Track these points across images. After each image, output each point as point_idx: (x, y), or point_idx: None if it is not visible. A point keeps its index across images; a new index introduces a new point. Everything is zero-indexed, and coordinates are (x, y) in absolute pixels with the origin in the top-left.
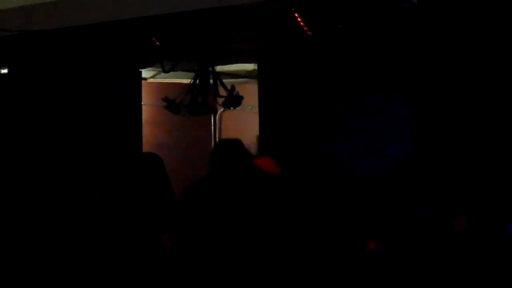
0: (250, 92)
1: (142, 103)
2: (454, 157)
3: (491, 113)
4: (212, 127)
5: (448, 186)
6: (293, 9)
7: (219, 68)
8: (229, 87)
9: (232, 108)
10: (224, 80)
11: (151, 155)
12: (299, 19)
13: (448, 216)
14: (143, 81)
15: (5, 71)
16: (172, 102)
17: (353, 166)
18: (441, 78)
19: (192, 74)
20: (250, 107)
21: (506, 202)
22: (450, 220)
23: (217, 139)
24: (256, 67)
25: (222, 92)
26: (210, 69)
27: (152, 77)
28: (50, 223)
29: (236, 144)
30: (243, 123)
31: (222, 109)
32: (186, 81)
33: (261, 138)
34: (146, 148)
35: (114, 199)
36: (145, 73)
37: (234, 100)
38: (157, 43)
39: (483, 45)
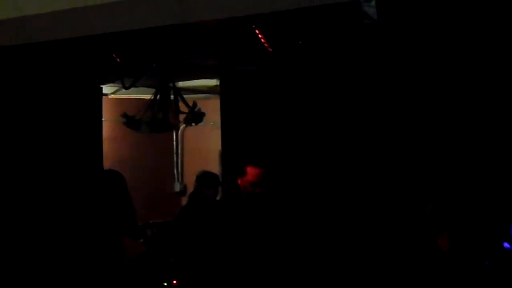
0: (212, 107)
1: (103, 119)
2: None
3: (462, 129)
4: (174, 142)
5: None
6: (253, 26)
7: (181, 84)
8: (190, 103)
9: (193, 124)
10: (186, 96)
11: (112, 172)
12: (260, 36)
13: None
14: (104, 97)
15: None
16: (131, 118)
17: (318, 182)
18: (402, 93)
19: (153, 90)
20: (212, 123)
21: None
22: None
23: (179, 155)
24: (218, 83)
25: (184, 108)
26: (171, 85)
27: (113, 93)
28: (7, 241)
29: None
30: (205, 139)
31: (184, 125)
32: (148, 96)
33: (223, 153)
34: (106, 164)
35: (74, 217)
36: (106, 89)
37: (195, 117)
38: (118, 59)
39: (444, 61)
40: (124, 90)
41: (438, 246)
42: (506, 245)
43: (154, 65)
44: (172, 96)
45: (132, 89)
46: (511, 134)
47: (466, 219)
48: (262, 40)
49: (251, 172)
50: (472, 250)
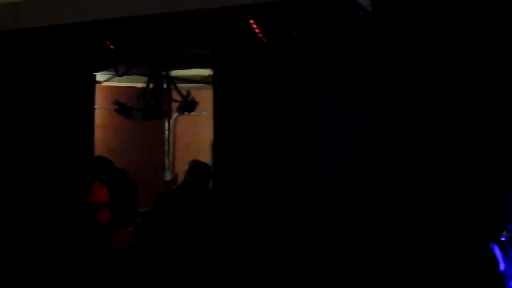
0: (205, 97)
1: (95, 106)
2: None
3: (454, 123)
4: (166, 132)
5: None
6: (248, 16)
7: (174, 73)
8: (184, 92)
9: (187, 113)
10: (179, 85)
11: (102, 159)
12: (254, 26)
13: None
14: (97, 85)
15: None
16: (123, 105)
17: (310, 174)
18: (395, 85)
19: (146, 78)
20: (205, 113)
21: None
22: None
23: (170, 144)
24: (211, 73)
25: (177, 97)
26: (164, 73)
27: (106, 80)
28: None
29: None
30: (197, 129)
31: (176, 114)
32: (141, 85)
33: (215, 144)
34: (98, 152)
35: (64, 203)
36: (99, 76)
37: (188, 105)
38: (111, 46)
39: (437, 53)
40: (117, 78)
41: None
42: None
43: (147, 53)
44: (165, 85)
45: (125, 77)
46: None
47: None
48: (256, 31)
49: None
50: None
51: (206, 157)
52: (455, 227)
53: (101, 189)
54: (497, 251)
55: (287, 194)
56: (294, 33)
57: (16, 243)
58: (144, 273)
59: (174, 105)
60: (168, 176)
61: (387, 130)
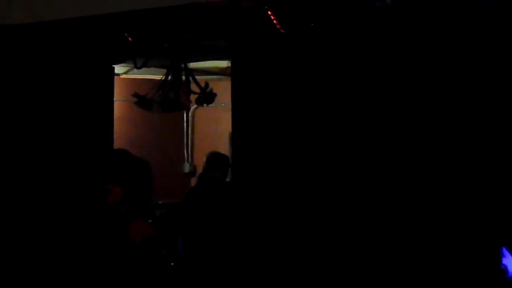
0: (223, 89)
1: (114, 99)
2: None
3: (467, 115)
4: (185, 123)
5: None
6: (266, 7)
7: (192, 65)
8: (202, 84)
9: (205, 105)
10: (197, 77)
11: (122, 151)
12: (272, 17)
13: None
14: (116, 77)
15: None
16: (142, 98)
17: (327, 166)
18: (413, 76)
19: (165, 71)
20: (223, 104)
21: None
22: None
23: (189, 136)
24: (229, 64)
25: (195, 88)
26: (183, 65)
27: (125, 73)
28: (18, 220)
29: None
30: (215, 120)
31: (195, 106)
32: (160, 77)
33: (234, 135)
34: (117, 144)
35: (86, 196)
36: (118, 69)
37: (207, 97)
38: (130, 39)
39: (457, 44)
40: (135, 70)
41: None
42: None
43: (165, 45)
44: (183, 77)
45: (144, 69)
46: None
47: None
48: (275, 22)
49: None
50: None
51: (224, 148)
52: (465, 232)
53: (114, 189)
54: (507, 255)
55: (305, 186)
56: (312, 24)
57: (35, 234)
58: (163, 264)
59: (193, 97)
60: (187, 168)
61: (402, 124)
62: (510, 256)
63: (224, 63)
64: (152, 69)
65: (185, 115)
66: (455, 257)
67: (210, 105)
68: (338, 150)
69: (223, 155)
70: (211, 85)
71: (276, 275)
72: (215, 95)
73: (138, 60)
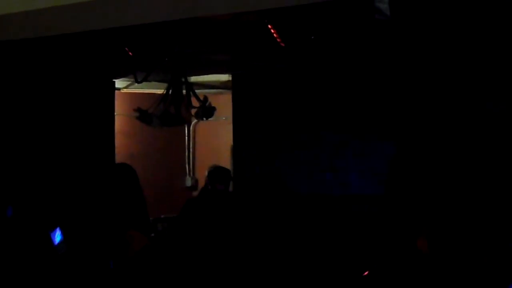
0: (224, 103)
1: (115, 113)
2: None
3: (468, 128)
4: (186, 137)
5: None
6: (266, 21)
7: (193, 78)
8: (202, 98)
9: (204, 118)
10: (198, 91)
11: (123, 166)
12: (272, 31)
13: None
14: (116, 91)
15: None
16: (144, 112)
17: (321, 178)
18: (413, 88)
19: (165, 85)
20: (224, 118)
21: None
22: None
23: (190, 150)
24: (230, 78)
25: (195, 103)
26: (183, 79)
27: (126, 87)
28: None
29: None
30: (217, 134)
31: (196, 120)
32: (160, 91)
33: (235, 149)
34: (118, 158)
35: (86, 210)
36: (119, 83)
37: (206, 111)
38: (130, 53)
39: (456, 57)
40: (136, 84)
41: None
42: None
43: (166, 59)
44: (184, 91)
45: (144, 83)
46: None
47: (445, 221)
48: (275, 35)
49: None
50: (453, 250)
51: (226, 162)
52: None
53: (136, 236)
54: None
55: (306, 199)
56: (312, 37)
57: (35, 245)
58: (158, 275)
59: (192, 111)
60: (188, 182)
61: (408, 134)
62: None
63: (225, 77)
64: (153, 83)
65: (186, 129)
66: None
67: (210, 118)
68: (341, 162)
69: (225, 169)
70: (212, 98)
71: (278, 283)
72: (214, 109)
73: (139, 75)
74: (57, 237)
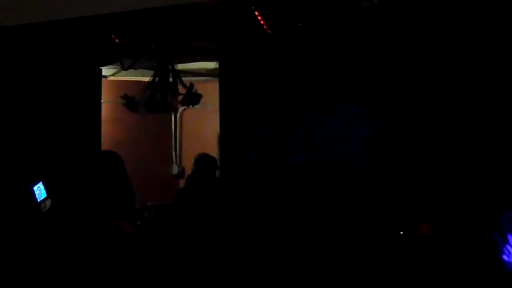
0: (211, 90)
1: (102, 100)
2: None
3: (451, 113)
4: (173, 125)
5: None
6: (253, 8)
7: (180, 66)
8: (187, 85)
9: (191, 106)
10: (185, 79)
11: (110, 153)
12: (259, 18)
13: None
14: (103, 79)
15: None
16: (131, 99)
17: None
18: (400, 76)
19: (152, 72)
20: (211, 106)
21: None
22: (414, 225)
23: (177, 138)
24: (217, 66)
25: (181, 90)
26: (170, 67)
27: (113, 75)
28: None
29: None
30: (204, 122)
31: (183, 107)
32: (147, 79)
33: (222, 136)
34: (105, 146)
35: (73, 198)
36: (106, 71)
37: (192, 98)
38: (117, 40)
39: (443, 44)
40: (123, 72)
41: (420, 233)
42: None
43: (153, 46)
44: (171, 79)
45: (131, 71)
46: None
47: (448, 206)
48: (262, 22)
49: None
50: (455, 236)
51: (213, 150)
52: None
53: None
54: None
55: (293, 185)
56: (299, 25)
57: (22, 236)
58: (146, 266)
59: (179, 98)
60: (175, 170)
61: (391, 123)
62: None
63: (212, 64)
64: (140, 70)
65: (173, 117)
66: None
67: (197, 106)
68: (327, 149)
69: (211, 157)
70: (199, 86)
71: (269, 274)
72: (200, 96)
73: (126, 62)
74: (41, 193)
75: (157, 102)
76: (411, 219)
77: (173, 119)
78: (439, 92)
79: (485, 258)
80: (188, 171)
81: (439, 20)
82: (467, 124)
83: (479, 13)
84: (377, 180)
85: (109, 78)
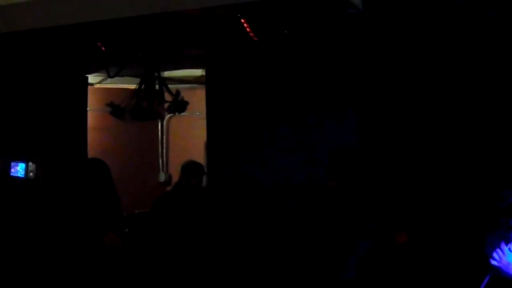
0: (198, 97)
1: (88, 108)
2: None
3: (437, 121)
4: (160, 132)
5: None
6: (239, 15)
7: (166, 73)
8: (174, 92)
9: (177, 113)
10: (171, 86)
11: (96, 161)
12: (245, 25)
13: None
14: (89, 87)
15: None
16: (117, 107)
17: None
18: (385, 82)
19: (138, 80)
20: (198, 113)
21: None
22: (391, 233)
23: (164, 145)
24: (204, 73)
25: (168, 97)
26: (156, 74)
27: (99, 82)
28: None
29: None
30: (190, 129)
31: (169, 115)
32: (133, 86)
33: (209, 144)
34: (91, 154)
35: (59, 206)
36: (92, 78)
37: (179, 106)
38: (103, 48)
39: (429, 51)
40: (109, 79)
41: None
42: None
43: (139, 54)
44: (157, 86)
45: (117, 78)
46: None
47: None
48: (248, 30)
49: None
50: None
51: (200, 157)
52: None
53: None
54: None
55: (281, 193)
56: (285, 32)
57: (11, 244)
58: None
59: (166, 106)
60: (162, 177)
61: (380, 128)
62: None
63: (198, 72)
64: (126, 78)
65: (159, 124)
66: None
67: (184, 113)
68: (314, 158)
69: (198, 163)
70: (186, 94)
71: (250, 281)
72: (187, 103)
73: (112, 69)
74: (19, 170)
75: (144, 110)
76: (387, 226)
77: (159, 127)
78: (427, 98)
79: (471, 262)
80: (175, 178)
81: (424, 26)
82: (455, 131)
83: (462, 17)
84: (367, 187)
85: (95, 86)
